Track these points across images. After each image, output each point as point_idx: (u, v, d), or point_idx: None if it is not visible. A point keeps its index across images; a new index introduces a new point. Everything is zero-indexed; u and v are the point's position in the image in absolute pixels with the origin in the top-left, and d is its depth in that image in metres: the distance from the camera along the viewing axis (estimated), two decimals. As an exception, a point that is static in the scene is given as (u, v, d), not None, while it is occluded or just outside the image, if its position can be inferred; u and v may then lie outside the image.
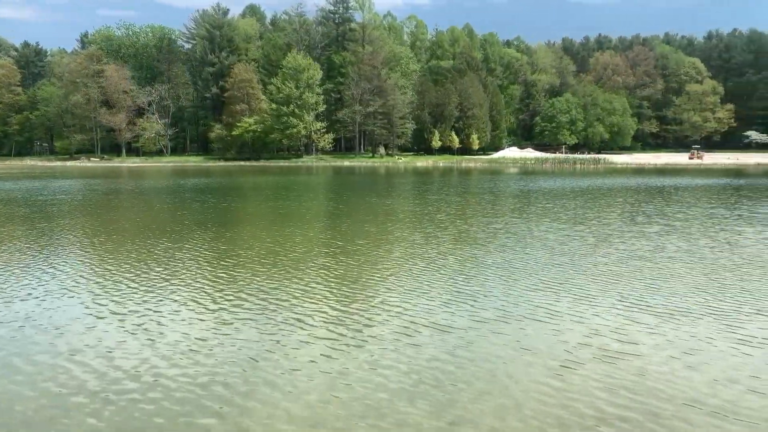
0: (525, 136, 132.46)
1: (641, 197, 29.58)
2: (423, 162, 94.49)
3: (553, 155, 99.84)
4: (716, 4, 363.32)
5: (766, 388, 6.36)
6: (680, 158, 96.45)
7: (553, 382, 6.54)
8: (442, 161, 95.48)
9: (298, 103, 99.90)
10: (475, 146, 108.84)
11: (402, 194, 33.98)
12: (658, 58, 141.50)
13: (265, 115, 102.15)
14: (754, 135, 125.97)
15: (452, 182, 45.45)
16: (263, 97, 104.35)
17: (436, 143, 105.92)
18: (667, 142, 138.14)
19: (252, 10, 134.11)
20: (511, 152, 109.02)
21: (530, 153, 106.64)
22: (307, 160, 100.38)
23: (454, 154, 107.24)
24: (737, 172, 60.02)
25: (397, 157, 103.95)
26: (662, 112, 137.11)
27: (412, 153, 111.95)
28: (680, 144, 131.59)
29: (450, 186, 40.46)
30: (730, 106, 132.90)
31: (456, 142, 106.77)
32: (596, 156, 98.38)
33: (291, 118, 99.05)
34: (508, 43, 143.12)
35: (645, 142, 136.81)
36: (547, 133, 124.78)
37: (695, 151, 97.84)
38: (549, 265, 12.56)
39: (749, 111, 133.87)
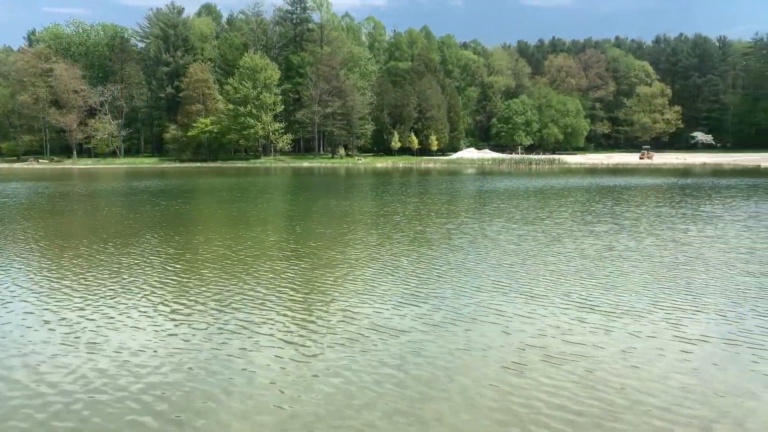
0: (482, 137, 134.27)
1: (593, 197, 30.27)
2: (383, 163, 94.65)
3: (509, 156, 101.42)
4: (663, 9, 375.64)
5: (707, 386, 6.50)
6: (631, 158, 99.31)
7: (507, 382, 6.59)
8: (401, 162, 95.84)
9: (256, 103, 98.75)
10: (434, 147, 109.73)
11: (360, 195, 33.92)
12: (610, 61, 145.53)
13: (222, 115, 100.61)
14: (700, 136, 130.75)
15: (411, 183, 45.63)
16: (219, 97, 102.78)
17: (396, 144, 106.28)
18: (619, 142, 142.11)
19: (207, 9, 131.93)
20: (469, 153, 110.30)
21: (487, 154, 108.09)
22: (265, 161, 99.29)
23: (413, 154, 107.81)
24: (684, 171, 62.13)
25: (356, 158, 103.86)
26: (614, 114, 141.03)
27: (371, 154, 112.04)
28: (631, 144, 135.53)
29: (408, 187, 40.61)
30: (677, 107, 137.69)
31: (415, 143, 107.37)
32: (551, 156, 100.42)
33: (248, 119, 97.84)
34: (465, 46, 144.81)
35: (597, 143, 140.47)
36: (503, 134, 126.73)
37: (645, 152, 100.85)
38: (500, 266, 12.68)
39: (695, 112, 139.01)
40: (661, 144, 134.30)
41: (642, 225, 19.21)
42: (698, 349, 7.61)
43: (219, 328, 8.60)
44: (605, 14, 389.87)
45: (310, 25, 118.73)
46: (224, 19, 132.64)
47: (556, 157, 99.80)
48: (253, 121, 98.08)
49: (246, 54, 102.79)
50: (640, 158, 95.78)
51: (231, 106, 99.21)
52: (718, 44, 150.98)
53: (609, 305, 9.60)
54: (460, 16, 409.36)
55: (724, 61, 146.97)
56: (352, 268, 12.69)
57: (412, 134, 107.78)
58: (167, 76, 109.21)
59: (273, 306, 9.69)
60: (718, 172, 60.29)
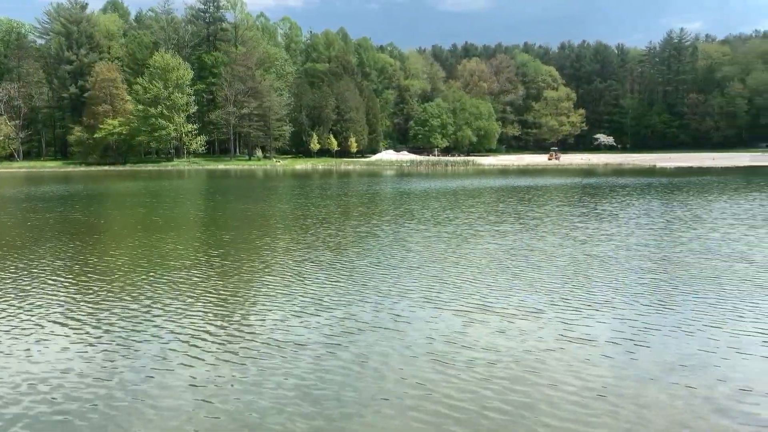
0: (400, 139, 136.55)
1: (502, 197, 31.80)
2: (302, 165, 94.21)
3: (426, 158, 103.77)
4: (568, 17, 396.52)
5: (605, 383, 6.77)
6: (540, 159, 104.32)
7: (408, 390, 6.61)
8: (321, 164, 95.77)
9: (167, 104, 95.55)
10: (354, 149, 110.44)
11: (275, 199, 33.83)
12: (519, 66, 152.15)
13: (131, 116, 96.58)
14: (602, 138, 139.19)
15: (329, 185, 45.91)
16: (128, 97, 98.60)
17: (315, 146, 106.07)
18: (528, 144, 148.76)
19: (114, 6, 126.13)
20: (388, 155, 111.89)
21: (405, 156, 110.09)
22: (178, 164, 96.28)
23: (332, 156, 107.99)
24: (588, 171, 66.06)
25: (274, 159, 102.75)
26: (523, 117, 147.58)
27: (290, 156, 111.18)
28: (540, 146, 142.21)
29: (326, 189, 40.86)
30: (581, 111, 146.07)
31: (334, 144, 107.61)
32: (466, 158, 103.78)
33: (159, 120, 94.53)
34: (381, 49, 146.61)
35: (509, 145, 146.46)
36: (420, 136, 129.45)
37: (553, 153, 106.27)
38: (406, 269, 12.78)
39: (598, 115, 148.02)
40: (567, 145, 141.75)
41: (545, 224, 20.42)
42: (593, 348, 7.87)
43: (99, 345, 8.18)
44: (514, 21, 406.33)
45: (224, 25, 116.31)
46: (132, 17, 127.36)
47: (470, 158, 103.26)
48: (164, 122, 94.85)
49: (156, 53, 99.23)
50: (548, 159, 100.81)
51: (141, 107, 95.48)
52: (617, 51, 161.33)
53: (510, 306, 9.81)
54: (375, 20, 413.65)
55: (622, 67, 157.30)
56: (255, 276, 12.45)
57: (331, 136, 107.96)
58: (70, 75, 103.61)
59: (162, 321, 9.23)
60: (618, 171, 64.54)
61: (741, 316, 9.12)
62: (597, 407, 6.13)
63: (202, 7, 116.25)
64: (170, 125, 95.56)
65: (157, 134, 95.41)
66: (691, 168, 69.50)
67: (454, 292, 10.77)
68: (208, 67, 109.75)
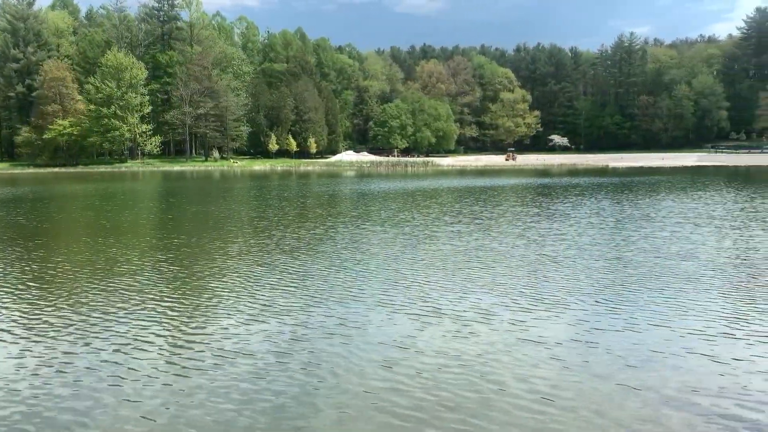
0: (360, 140, 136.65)
1: (459, 197, 32.19)
2: (260, 166, 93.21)
3: (386, 158, 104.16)
4: (523, 21, 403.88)
5: (559, 385, 6.81)
6: (497, 160, 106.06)
7: (355, 398, 6.57)
8: (280, 165, 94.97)
9: (120, 104, 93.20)
10: (313, 150, 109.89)
11: (231, 200, 33.36)
12: (476, 68, 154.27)
13: (83, 116, 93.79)
14: (556, 139, 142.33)
15: (287, 186, 45.56)
16: (79, 97, 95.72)
17: (273, 146, 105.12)
18: (486, 145, 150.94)
19: (63, 3, 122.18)
20: (348, 156, 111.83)
21: (366, 156, 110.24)
22: (132, 165, 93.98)
23: (291, 157, 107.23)
24: (544, 172, 67.50)
25: (232, 160, 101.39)
26: (480, 118, 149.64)
27: (248, 156, 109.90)
28: (497, 147, 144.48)
29: (284, 190, 40.55)
30: (537, 112, 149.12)
31: (293, 145, 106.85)
32: (425, 159, 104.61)
33: (112, 120, 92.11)
34: (340, 49, 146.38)
35: (467, 146, 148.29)
36: (380, 137, 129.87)
37: (510, 154, 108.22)
38: (359, 273, 12.64)
39: (552, 117, 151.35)
40: (523, 146, 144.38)
41: (499, 224, 20.71)
42: (544, 349, 7.91)
43: (30, 357, 7.86)
44: (471, 23, 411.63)
45: (179, 23, 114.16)
46: (83, 14, 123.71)
47: (429, 159, 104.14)
48: (117, 122, 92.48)
49: (109, 51, 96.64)
50: (506, 160, 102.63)
51: (93, 107, 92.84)
52: (570, 54, 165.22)
53: (463, 308, 9.80)
54: (332, 21, 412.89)
55: (576, 69, 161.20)
56: (204, 281, 12.14)
57: (290, 137, 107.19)
58: (17, 73, 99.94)
59: (101, 330, 8.85)
60: (572, 171, 66.14)
61: (688, 315, 9.35)
62: (548, 410, 6.13)
63: (156, 5, 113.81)
64: (124, 126, 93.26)
65: (110, 135, 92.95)
66: (641, 168, 71.78)
67: (408, 295, 10.69)
68: (162, 66, 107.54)
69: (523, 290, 11.03)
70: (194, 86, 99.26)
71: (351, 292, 11.05)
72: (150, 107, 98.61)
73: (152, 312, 9.86)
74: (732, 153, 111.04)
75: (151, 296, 10.89)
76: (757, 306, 9.84)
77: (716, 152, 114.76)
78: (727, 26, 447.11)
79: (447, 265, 13.47)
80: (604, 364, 7.41)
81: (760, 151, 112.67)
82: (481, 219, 22.18)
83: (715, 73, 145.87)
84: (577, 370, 7.22)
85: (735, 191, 34.18)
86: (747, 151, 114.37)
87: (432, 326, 8.91)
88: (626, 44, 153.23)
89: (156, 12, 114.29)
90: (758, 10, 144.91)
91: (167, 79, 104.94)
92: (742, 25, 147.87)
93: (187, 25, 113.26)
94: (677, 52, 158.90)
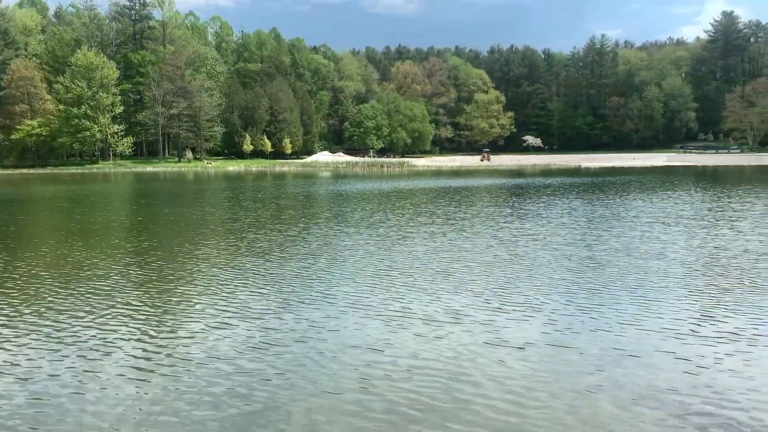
0: (336, 140, 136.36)
1: (434, 198, 32.30)
2: (234, 166, 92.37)
3: (362, 159, 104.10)
4: (497, 23, 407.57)
5: (530, 392, 6.79)
6: (472, 160, 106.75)
7: (334, 400, 6.57)
8: (254, 165, 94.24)
9: (91, 104, 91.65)
10: (288, 150, 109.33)
11: (203, 202, 32.95)
12: (451, 69, 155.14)
13: (52, 117, 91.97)
14: (530, 139, 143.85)
15: (262, 187, 45.19)
16: (49, 97, 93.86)
17: (248, 147, 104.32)
18: (461, 146, 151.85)
19: (31, 1, 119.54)
20: (324, 156, 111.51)
21: (341, 157, 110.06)
22: (104, 166, 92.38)
23: (267, 158, 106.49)
24: (518, 172, 68.14)
25: (206, 161, 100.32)
26: (455, 119, 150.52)
27: (222, 157, 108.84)
28: (472, 148, 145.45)
29: (258, 191, 40.21)
30: (510, 113, 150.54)
31: (268, 146, 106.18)
32: (401, 159, 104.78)
33: (83, 121, 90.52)
34: (315, 50, 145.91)
35: (442, 146, 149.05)
36: (356, 137, 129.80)
37: (485, 154, 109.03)
38: (331, 275, 12.55)
39: (526, 118, 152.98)
40: (497, 147, 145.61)
41: (472, 224, 20.76)
42: (515, 350, 7.91)
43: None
44: (445, 24, 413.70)
45: (151, 23, 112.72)
46: (52, 12, 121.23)
47: (405, 160, 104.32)
48: (88, 123, 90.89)
49: (79, 51, 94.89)
50: (481, 160, 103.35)
51: (62, 107, 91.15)
52: (543, 56, 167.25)
53: (435, 310, 9.76)
54: (307, 21, 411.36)
55: (548, 71, 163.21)
56: (173, 285, 11.87)
57: (265, 137, 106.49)
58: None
59: (65, 336, 8.61)
60: (545, 172, 66.89)
61: (658, 314, 9.43)
62: (520, 411, 6.14)
63: (128, 3, 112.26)
64: (95, 126, 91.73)
65: (80, 135, 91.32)
66: (613, 168, 72.93)
67: (380, 298, 10.62)
68: (134, 66, 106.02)
69: (496, 291, 11.05)
70: (167, 86, 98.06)
71: (323, 294, 10.94)
72: (122, 107, 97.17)
73: (118, 317, 9.63)
74: (700, 153, 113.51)
75: (117, 301, 10.64)
76: (725, 305, 10.00)
77: (685, 152, 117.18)
78: (695, 29, 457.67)
79: (420, 266, 13.44)
80: (576, 364, 7.44)
81: (726, 151, 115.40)
82: (455, 220, 22.25)
83: (683, 75, 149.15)
84: (549, 370, 7.24)
85: (703, 191, 34.92)
86: (714, 151, 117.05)
87: (404, 328, 8.86)
88: (598, 46, 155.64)
89: (127, 11, 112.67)
90: (724, 14, 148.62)
91: (139, 79, 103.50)
92: (709, 28, 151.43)
93: (160, 25, 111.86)
94: (647, 54, 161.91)
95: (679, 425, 5.82)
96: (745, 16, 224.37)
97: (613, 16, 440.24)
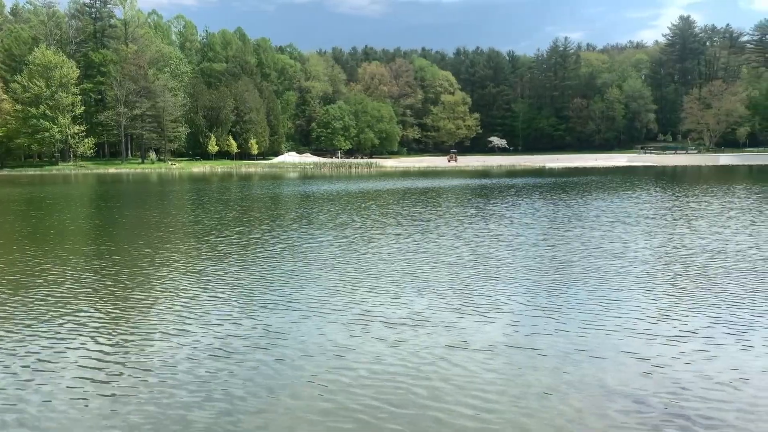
0: (303, 141, 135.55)
1: (401, 199, 32.32)
2: (200, 167, 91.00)
3: (330, 160, 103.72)
4: (462, 24, 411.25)
5: (493, 397, 6.87)
6: (439, 161, 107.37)
7: (290, 408, 6.53)
8: (220, 166, 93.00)
9: (50, 104, 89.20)
10: (255, 151, 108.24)
11: (166, 204, 32.31)
12: (417, 71, 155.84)
13: (9, 117, 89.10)
14: (495, 140, 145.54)
15: (227, 188, 44.58)
16: (5, 96, 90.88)
17: (213, 148, 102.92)
18: (428, 147, 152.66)
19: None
20: (291, 157, 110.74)
21: (309, 158, 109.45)
22: (64, 168, 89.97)
23: (232, 159, 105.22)
24: (484, 173, 68.77)
25: (170, 162, 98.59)
26: (423, 120, 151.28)
27: (187, 158, 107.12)
28: (439, 149, 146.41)
29: (223, 192, 39.66)
30: (476, 114, 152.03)
31: (234, 146, 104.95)
32: (368, 160, 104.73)
33: (42, 121, 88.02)
34: (281, 50, 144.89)
35: (410, 147, 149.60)
36: (323, 138, 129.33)
37: (452, 155, 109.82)
38: (292, 278, 12.36)
39: (492, 119, 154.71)
40: (464, 148, 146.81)
41: (437, 225, 20.72)
42: (478, 353, 7.88)
43: None
44: (411, 26, 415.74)
45: (113, 21, 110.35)
46: (8, 10, 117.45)
47: (373, 160, 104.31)
48: (47, 123, 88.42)
49: (37, 49, 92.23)
50: (448, 161, 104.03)
51: (20, 107, 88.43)
52: (508, 58, 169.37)
53: (396, 314, 9.68)
54: (272, 21, 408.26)
55: (513, 73, 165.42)
56: (127, 292, 11.50)
57: (230, 138, 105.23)
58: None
59: (9, 345, 8.34)
60: (511, 172, 67.72)
61: (620, 314, 9.53)
62: (482, 415, 6.12)
63: (88, 1, 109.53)
64: (54, 127, 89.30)
65: (39, 136, 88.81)
66: (576, 168, 74.24)
67: (343, 301, 10.49)
68: (96, 65, 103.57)
69: (459, 293, 11.04)
70: (130, 86, 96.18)
71: (284, 299, 10.76)
72: (83, 107, 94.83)
73: (70, 325, 9.30)
74: (659, 154, 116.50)
75: (70, 309, 10.25)
76: (684, 304, 10.19)
77: (645, 153, 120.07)
78: (653, 33, 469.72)
79: (384, 268, 13.38)
80: (538, 365, 7.46)
81: (685, 152, 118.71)
82: (420, 221, 22.27)
83: (643, 77, 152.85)
84: (511, 373, 7.24)
85: (662, 191, 35.80)
86: (673, 152, 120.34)
87: (367, 332, 8.76)
88: (561, 49, 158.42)
89: (87, 8, 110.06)
90: (681, 18, 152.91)
91: (101, 79, 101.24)
92: (667, 32, 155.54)
93: (122, 23, 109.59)
94: (608, 56, 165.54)
95: (640, 424, 5.88)
96: (700, 21, 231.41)
97: (574, 20, 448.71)
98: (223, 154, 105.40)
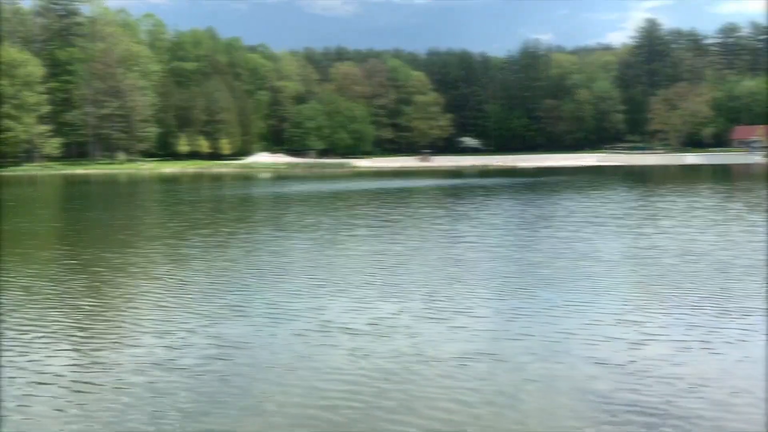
0: (276, 141, 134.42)
1: (372, 199, 32.31)
2: (170, 168, 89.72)
3: (303, 160, 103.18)
4: (434, 25, 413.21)
5: (460, 405, 7.01)
6: (413, 162, 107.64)
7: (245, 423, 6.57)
8: (191, 167, 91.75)
9: (14, 102, 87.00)
10: (226, 151, 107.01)
11: (131, 206, 31.80)
12: (390, 71, 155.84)
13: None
14: (468, 141, 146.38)
15: (197, 190, 44.06)
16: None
17: (184, 148, 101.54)
18: (402, 147, 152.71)
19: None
20: (263, 157, 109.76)
21: (282, 158, 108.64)
22: (29, 169, 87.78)
23: (204, 159, 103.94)
24: (457, 173, 69.24)
25: (140, 163, 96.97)
26: (396, 120, 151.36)
27: (157, 158, 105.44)
28: (412, 149, 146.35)
29: (192, 194, 39.20)
30: (449, 115, 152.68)
31: (205, 146, 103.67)
32: (342, 161, 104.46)
33: (6, 121, 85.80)
34: (252, 49, 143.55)
35: (383, 148, 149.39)
36: (296, 138, 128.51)
37: (425, 156, 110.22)
38: (251, 284, 12.14)
39: (464, 120, 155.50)
40: (437, 148, 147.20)
41: (406, 227, 20.75)
42: (446, 357, 7.86)
43: None
44: (383, 26, 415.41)
45: (80, 18, 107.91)
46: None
47: (346, 161, 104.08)
48: (12, 123, 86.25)
49: (0, 46, 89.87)
50: (421, 162, 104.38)
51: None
52: (480, 59, 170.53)
53: (361, 319, 9.56)
54: (244, 20, 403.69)
55: (485, 74, 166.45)
56: (81, 299, 11.14)
57: (202, 138, 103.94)
58: None
59: None
60: (483, 172, 68.32)
61: (586, 316, 9.58)
62: (449, 419, 6.10)
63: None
64: (19, 126, 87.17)
65: (3, 137, 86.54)
66: (547, 168, 75.19)
67: (301, 307, 10.21)
68: (62, 63, 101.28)
69: (425, 297, 10.96)
70: (98, 85, 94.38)
71: (241, 306, 10.41)
72: (49, 107, 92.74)
73: (9, 335, 8.93)
74: (628, 154, 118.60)
75: (14, 317, 9.83)
76: (651, 304, 10.36)
77: (614, 153, 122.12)
78: (621, 35, 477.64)
79: (347, 272, 13.28)
80: (504, 370, 7.43)
81: (652, 152, 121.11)
82: (390, 222, 22.32)
83: (612, 78, 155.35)
84: (477, 378, 7.17)
85: (630, 190, 36.50)
86: (641, 152, 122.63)
87: (325, 343, 8.49)
88: (531, 50, 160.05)
89: (53, 5, 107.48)
90: (648, 20, 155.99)
91: (68, 78, 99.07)
92: (635, 34, 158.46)
93: (89, 21, 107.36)
94: (578, 58, 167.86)
95: (606, 424, 5.97)
96: (667, 23, 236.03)
97: (543, 21, 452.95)
98: (194, 155, 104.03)
